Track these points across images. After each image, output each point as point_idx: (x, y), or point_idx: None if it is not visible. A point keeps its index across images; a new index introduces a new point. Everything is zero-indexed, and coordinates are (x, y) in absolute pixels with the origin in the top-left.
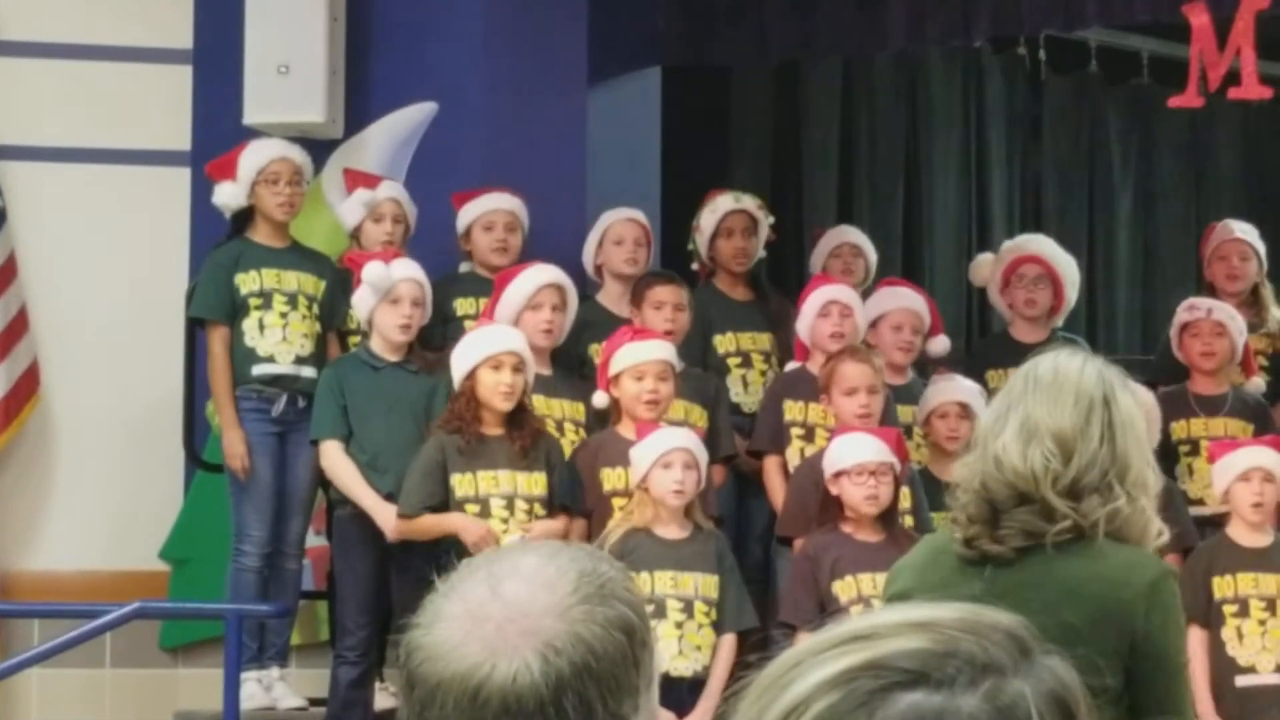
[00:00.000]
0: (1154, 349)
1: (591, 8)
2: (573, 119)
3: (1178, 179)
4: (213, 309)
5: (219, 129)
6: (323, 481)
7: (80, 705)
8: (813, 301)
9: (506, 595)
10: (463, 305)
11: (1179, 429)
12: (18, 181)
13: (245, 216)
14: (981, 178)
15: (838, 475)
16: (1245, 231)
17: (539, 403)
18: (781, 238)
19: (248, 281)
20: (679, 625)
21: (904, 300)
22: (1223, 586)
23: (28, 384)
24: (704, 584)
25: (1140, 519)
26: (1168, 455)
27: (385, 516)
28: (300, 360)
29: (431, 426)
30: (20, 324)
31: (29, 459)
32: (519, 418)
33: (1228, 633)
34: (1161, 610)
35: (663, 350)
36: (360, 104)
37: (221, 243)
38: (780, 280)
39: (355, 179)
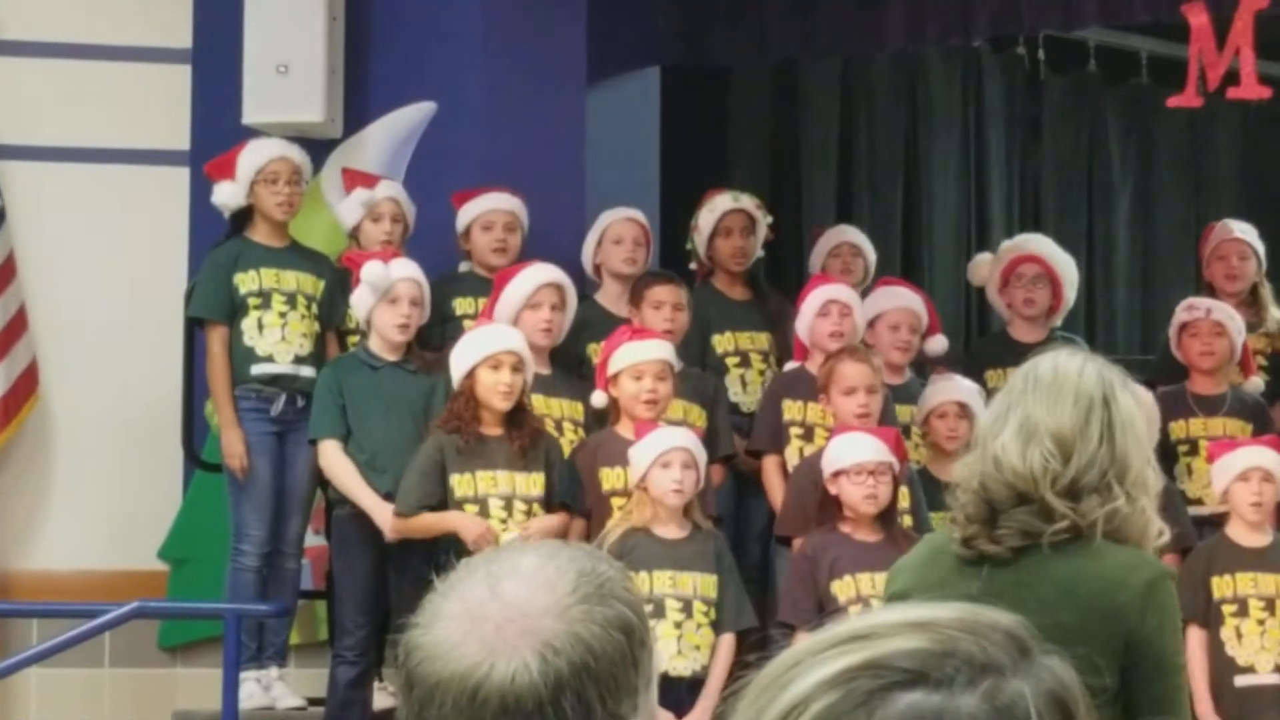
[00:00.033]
0: (1153, 349)
1: (590, 7)
2: (572, 118)
3: (1177, 179)
4: (212, 308)
5: (218, 128)
6: (321, 481)
7: (79, 705)
8: (812, 301)
9: (505, 595)
10: (462, 305)
11: (1178, 429)
12: (17, 181)
13: (244, 216)
14: (980, 177)
15: (836, 475)
16: (1244, 231)
17: (538, 402)
18: (780, 237)
19: (247, 281)
20: (678, 625)
21: (901, 300)
22: (1222, 586)
23: (27, 383)
24: (703, 584)
25: (1140, 519)
26: (1166, 455)
27: (384, 516)
28: (299, 360)
29: (430, 426)
30: (19, 323)
31: (28, 458)
32: (518, 417)
33: (1227, 632)
34: (1157, 611)
35: (661, 350)
36: (359, 103)
37: (220, 242)
38: (779, 280)
39: (353, 178)
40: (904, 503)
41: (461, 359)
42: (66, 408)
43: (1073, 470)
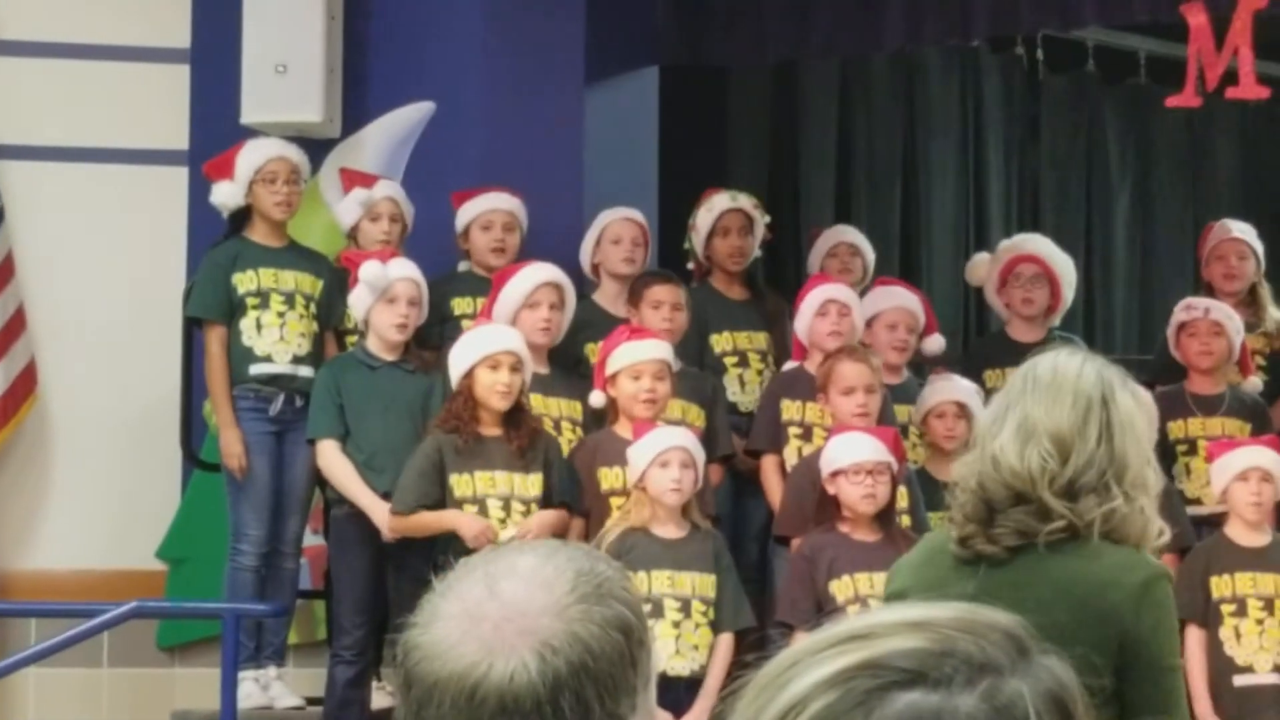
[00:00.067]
0: (1151, 349)
1: (589, 7)
2: (570, 118)
3: (1175, 179)
4: (210, 308)
5: (217, 128)
6: (320, 481)
7: (77, 705)
8: (811, 300)
9: (504, 594)
10: (460, 305)
11: (1176, 429)
12: (15, 181)
13: (243, 216)
14: (979, 177)
15: (835, 474)
16: (1243, 231)
17: (536, 401)
18: (779, 237)
19: (245, 281)
20: (676, 625)
21: (898, 299)
22: (1220, 586)
23: (25, 383)
24: (701, 583)
25: (1139, 519)
26: (1165, 455)
27: (382, 515)
28: (297, 360)
29: (429, 426)
30: (18, 323)
31: (26, 458)
32: (516, 417)
33: (1225, 632)
34: (1152, 611)
35: (660, 350)
36: (358, 103)
37: (219, 242)
38: (778, 280)
39: (352, 178)
40: (902, 503)
41: (460, 359)
42: (65, 407)
43: (1070, 470)
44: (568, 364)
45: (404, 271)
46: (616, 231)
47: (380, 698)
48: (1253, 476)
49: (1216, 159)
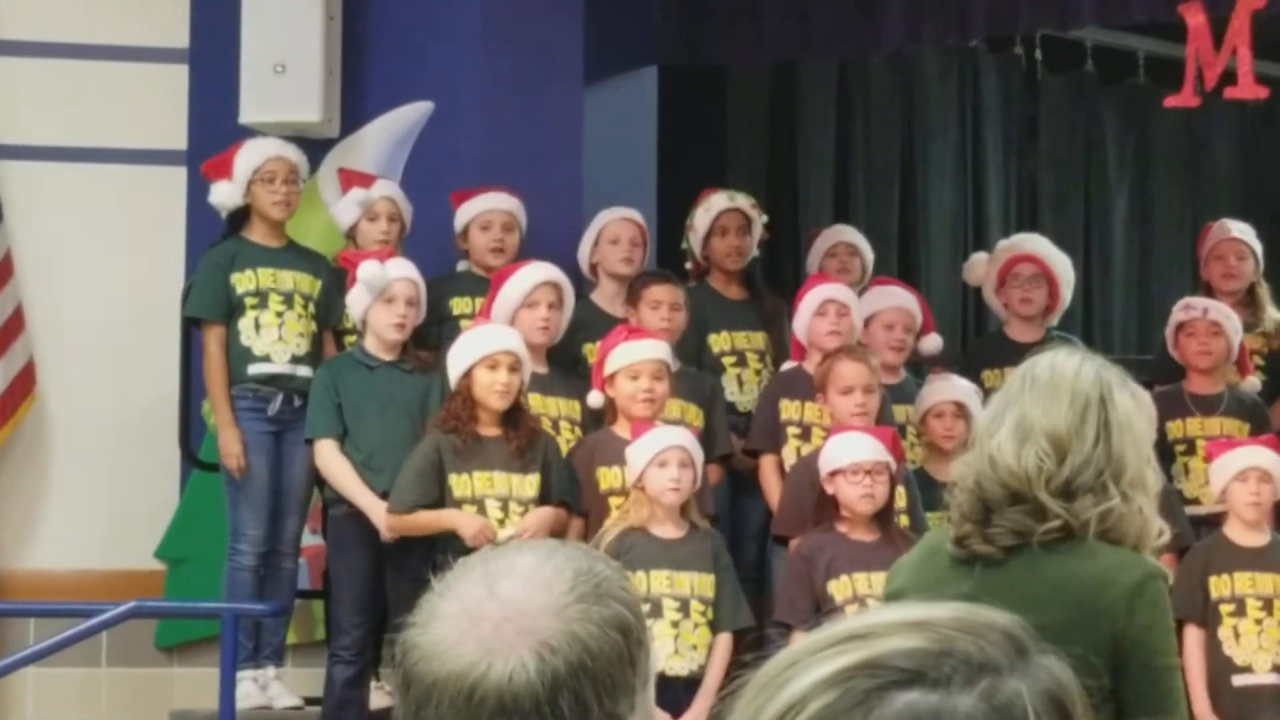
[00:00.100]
0: (1150, 349)
1: (588, 7)
2: (569, 118)
3: (1174, 179)
4: (208, 308)
5: (215, 128)
6: (318, 480)
7: (76, 704)
8: (809, 300)
9: (503, 594)
10: (459, 305)
11: (1175, 428)
12: (14, 180)
13: (241, 216)
14: (977, 177)
15: (833, 474)
16: (1242, 231)
17: (535, 401)
18: (777, 237)
19: (244, 281)
20: (675, 624)
21: (895, 299)
22: (1219, 586)
23: (24, 383)
24: (700, 583)
25: (1137, 519)
26: (1164, 455)
27: (380, 515)
28: (296, 359)
29: (427, 426)
30: (16, 323)
31: (25, 458)
32: (515, 417)
33: (1224, 632)
34: (1146, 611)
35: (658, 349)
36: (356, 103)
37: (217, 242)
38: (776, 280)
39: (350, 178)
40: (900, 502)
41: (458, 359)
42: (63, 407)
43: (1067, 470)
44: (566, 364)
45: (402, 271)
46: (615, 231)
47: (379, 697)
48: (1251, 476)
49: (1215, 159)
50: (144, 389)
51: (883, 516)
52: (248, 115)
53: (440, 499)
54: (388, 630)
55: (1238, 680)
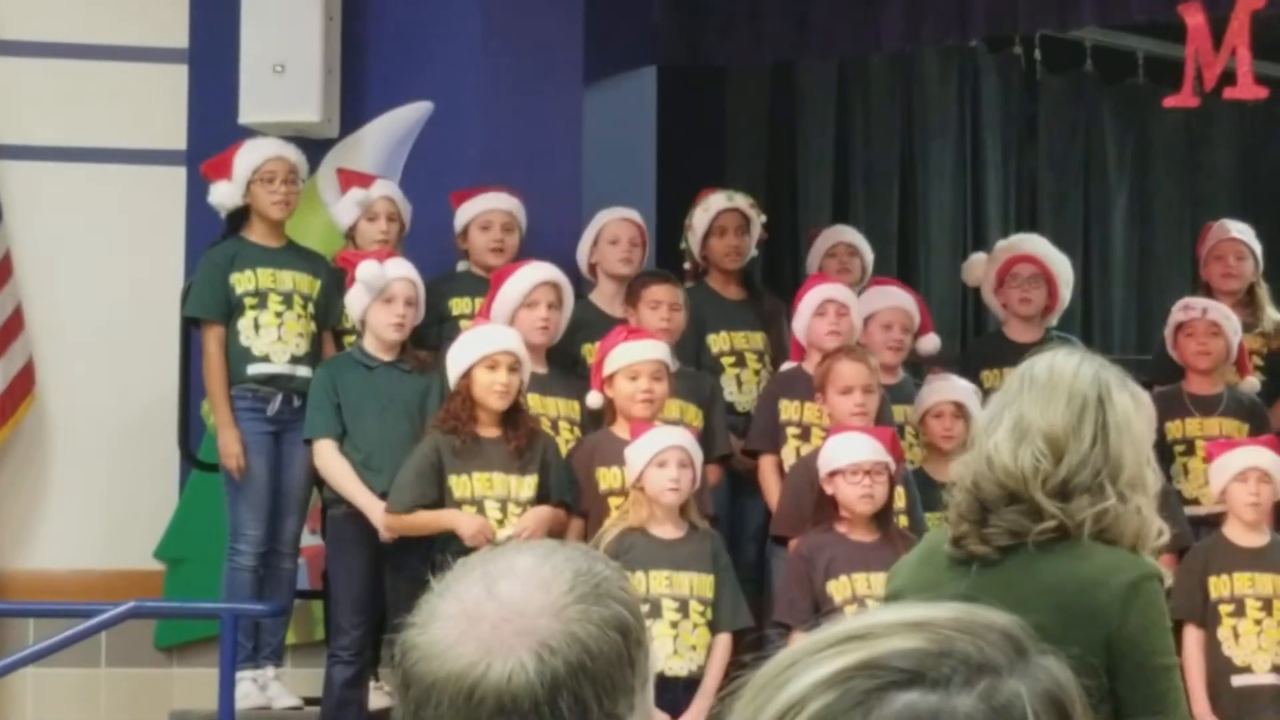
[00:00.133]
0: (1150, 349)
1: (588, 7)
2: (569, 118)
3: (1173, 179)
4: (208, 308)
5: (215, 128)
6: (317, 480)
7: (75, 705)
8: (809, 300)
9: (502, 595)
10: (458, 305)
11: (1174, 429)
12: (13, 180)
13: (241, 216)
14: (977, 178)
15: (833, 475)
16: (1242, 231)
17: (534, 401)
18: (777, 238)
19: (243, 281)
20: (674, 625)
21: (893, 299)
22: (1219, 586)
23: (23, 383)
24: (699, 584)
25: (1134, 519)
26: (1163, 455)
27: (380, 515)
28: (295, 360)
29: (427, 426)
30: (16, 323)
31: (24, 458)
32: (514, 418)
33: (1224, 632)
34: (1141, 611)
35: (657, 350)
36: (356, 103)
37: (217, 242)
38: (776, 280)
39: (348, 178)
40: (900, 503)
41: (458, 359)
42: (63, 407)
43: (1064, 470)
44: (565, 364)
45: (401, 271)
46: (614, 232)
47: (378, 698)
48: (1251, 477)
49: (1214, 159)
50: (144, 389)
51: (882, 517)
52: (247, 115)
53: (439, 500)
54: (387, 630)
55: (1237, 680)
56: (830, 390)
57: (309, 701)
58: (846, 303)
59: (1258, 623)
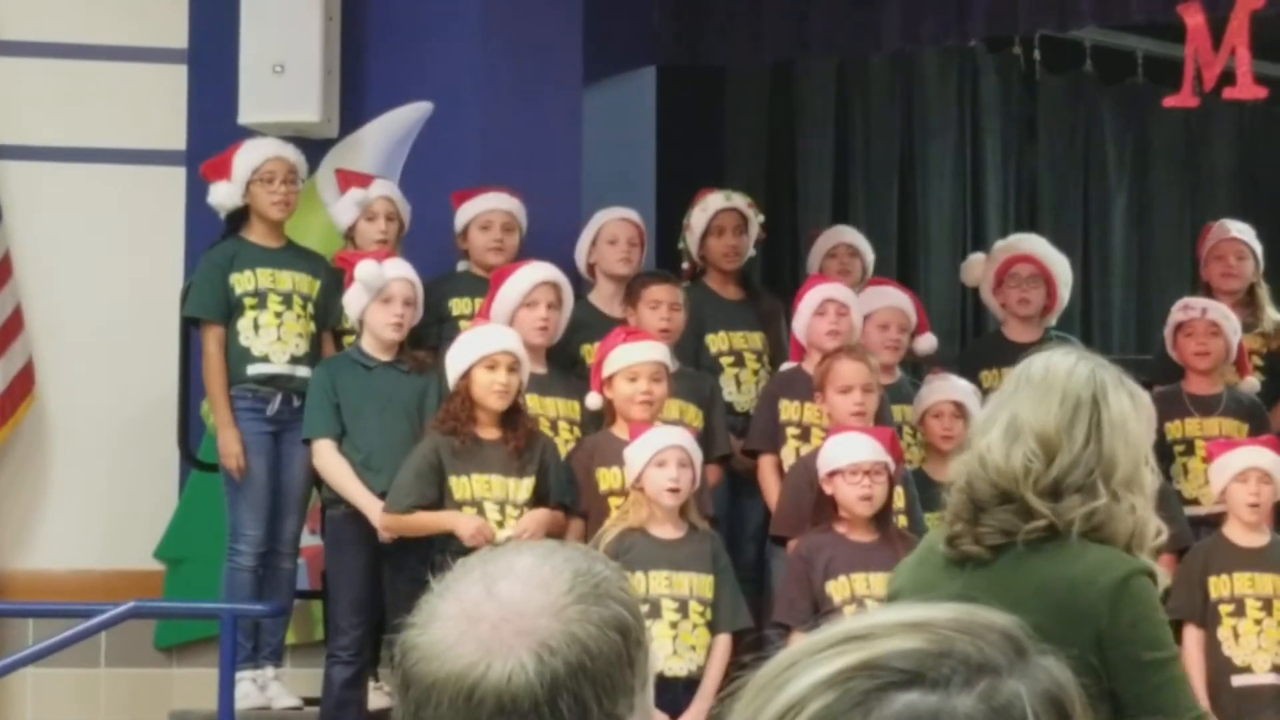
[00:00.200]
0: (1149, 349)
1: (587, 7)
2: (568, 118)
3: (1173, 179)
4: (207, 308)
5: (214, 128)
6: (317, 481)
7: (75, 705)
8: (809, 300)
9: (501, 595)
10: (458, 305)
11: (1174, 429)
12: (13, 180)
13: (240, 216)
14: (976, 178)
15: (832, 475)
16: (1242, 231)
17: (533, 401)
18: (776, 238)
19: (243, 281)
20: (674, 625)
21: (890, 299)
22: (1219, 586)
23: (23, 383)
24: (699, 584)
25: (1128, 519)
26: (1162, 455)
27: (379, 515)
28: (295, 360)
29: (426, 427)
30: (15, 323)
31: (24, 458)
32: (513, 418)
33: (1224, 632)
34: (1131, 608)
35: (656, 351)
36: (355, 103)
37: (216, 242)
38: (775, 280)
39: (348, 178)
40: (899, 503)
41: (457, 359)
42: (62, 407)
43: (1055, 470)
44: (565, 364)
45: (399, 271)
46: (613, 232)
47: (377, 698)
48: (1251, 477)
49: (1214, 159)
50: (143, 389)
51: (881, 517)
52: (247, 115)
53: (438, 500)
54: (386, 631)
55: (1237, 680)
56: (829, 389)
57: (308, 702)
58: (846, 302)
59: (1258, 623)
